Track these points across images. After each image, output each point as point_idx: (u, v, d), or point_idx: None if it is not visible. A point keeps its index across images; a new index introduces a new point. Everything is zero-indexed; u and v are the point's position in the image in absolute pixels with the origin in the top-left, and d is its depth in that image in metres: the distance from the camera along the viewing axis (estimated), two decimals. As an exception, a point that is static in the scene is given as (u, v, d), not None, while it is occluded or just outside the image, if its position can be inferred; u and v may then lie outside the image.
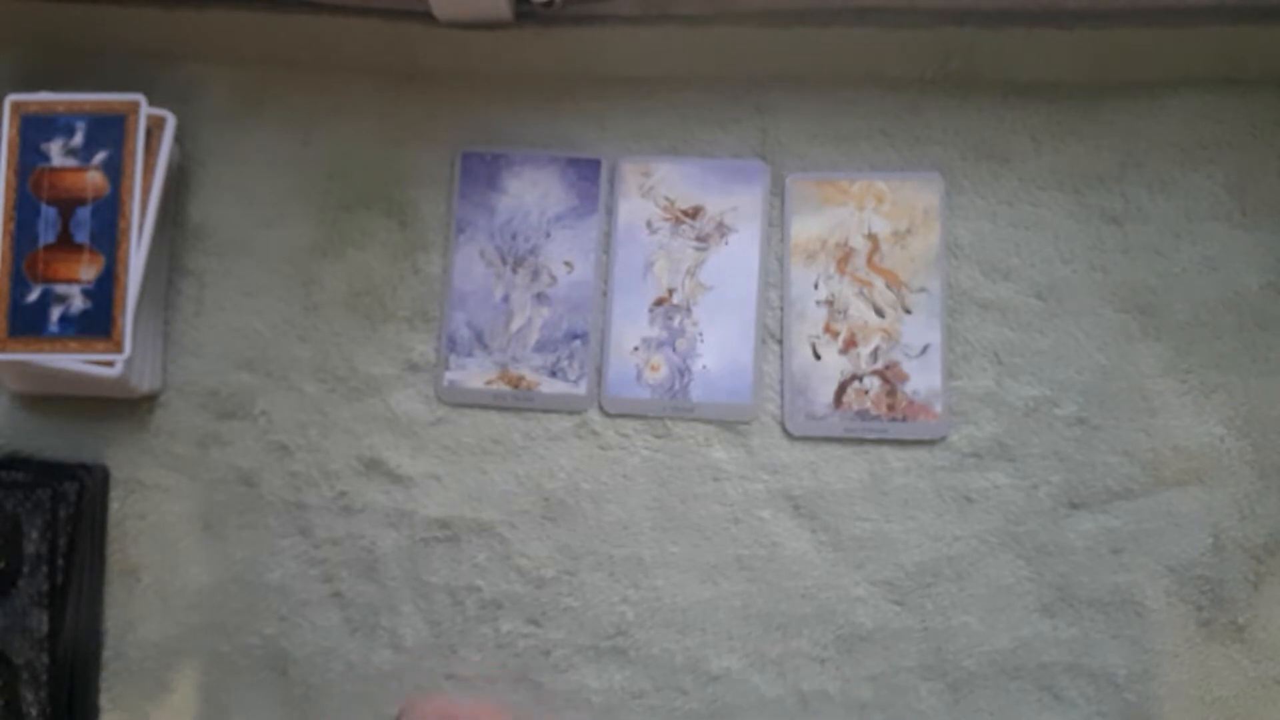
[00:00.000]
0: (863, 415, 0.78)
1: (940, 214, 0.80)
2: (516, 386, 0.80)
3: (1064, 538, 0.77)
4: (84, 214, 0.76)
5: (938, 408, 0.78)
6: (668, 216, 0.81)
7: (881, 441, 0.78)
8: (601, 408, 0.80)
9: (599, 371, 0.80)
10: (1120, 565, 0.77)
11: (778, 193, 0.81)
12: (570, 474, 0.79)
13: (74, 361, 0.75)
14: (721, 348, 0.79)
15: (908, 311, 0.79)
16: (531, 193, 0.82)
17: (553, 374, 0.80)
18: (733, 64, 0.83)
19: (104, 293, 0.75)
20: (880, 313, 0.79)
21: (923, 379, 0.78)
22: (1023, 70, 0.81)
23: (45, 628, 0.75)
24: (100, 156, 0.76)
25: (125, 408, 0.81)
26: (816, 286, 0.80)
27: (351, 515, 0.80)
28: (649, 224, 0.81)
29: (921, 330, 0.79)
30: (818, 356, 0.79)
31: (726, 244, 0.81)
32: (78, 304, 0.75)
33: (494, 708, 0.76)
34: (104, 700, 0.79)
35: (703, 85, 0.82)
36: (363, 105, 0.83)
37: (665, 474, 0.79)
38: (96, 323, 0.75)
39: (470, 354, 0.80)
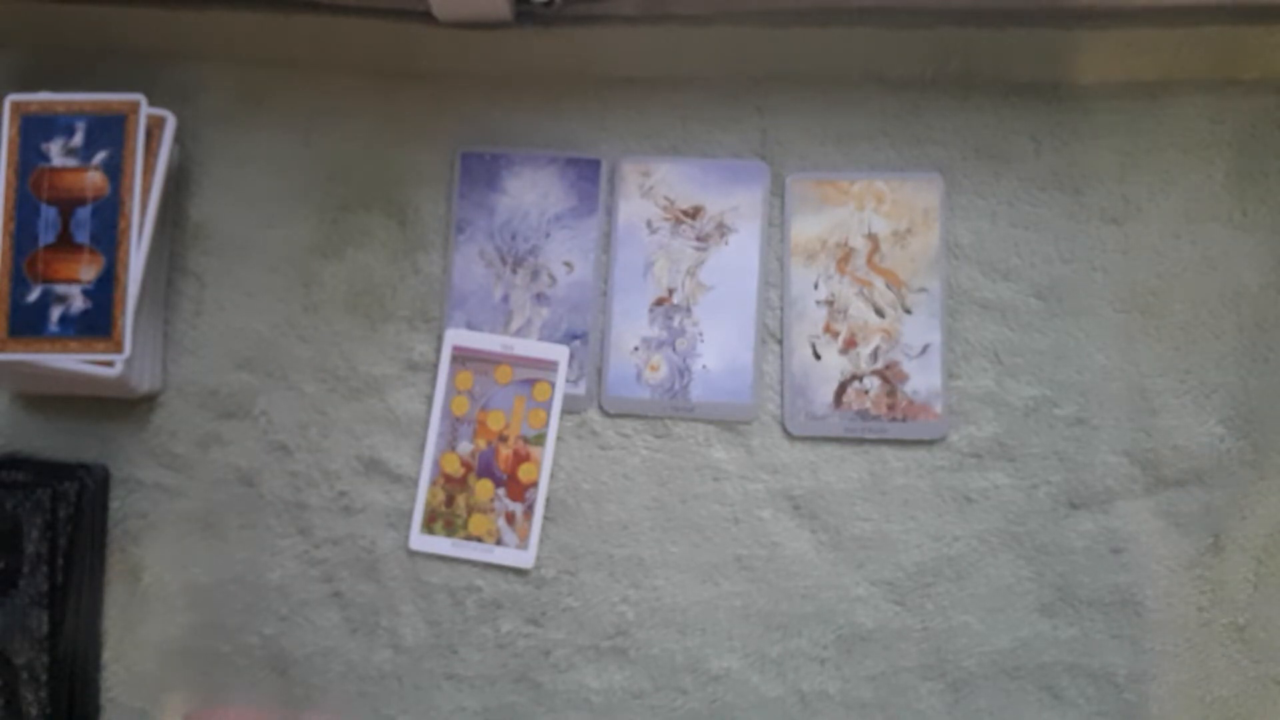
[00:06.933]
0: (863, 415, 0.78)
1: (940, 214, 0.80)
2: (516, 386, 0.81)
3: (1064, 538, 0.77)
4: (84, 214, 0.76)
5: (938, 408, 0.78)
6: (668, 216, 0.81)
7: (881, 441, 0.78)
8: (601, 408, 0.80)
9: (599, 371, 0.80)
10: (1120, 565, 0.77)
11: (778, 193, 0.81)
12: (570, 474, 0.79)
13: (74, 361, 0.75)
14: (721, 348, 0.80)
15: (908, 311, 0.79)
16: (531, 193, 0.82)
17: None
18: (733, 64, 0.83)
19: (104, 293, 0.75)
20: (880, 313, 0.79)
21: (923, 379, 0.78)
22: (1023, 70, 0.81)
23: (45, 628, 0.75)
24: (100, 156, 0.76)
25: (125, 408, 0.81)
26: (816, 286, 0.80)
27: (351, 515, 0.80)
28: (649, 224, 0.81)
29: (921, 330, 0.79)
30: (818, 356, 0.79)
31: (726, 244, 0.81)
32: (78, 304, 0.75)
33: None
34: (104, 700, 0.79)
35: (703, 85, 0.82)
36: (363, 105, 0.83)
37: (665, 474, 0.79)
38: (96, 323, 0.75)
39: (470, 354, 0.81)
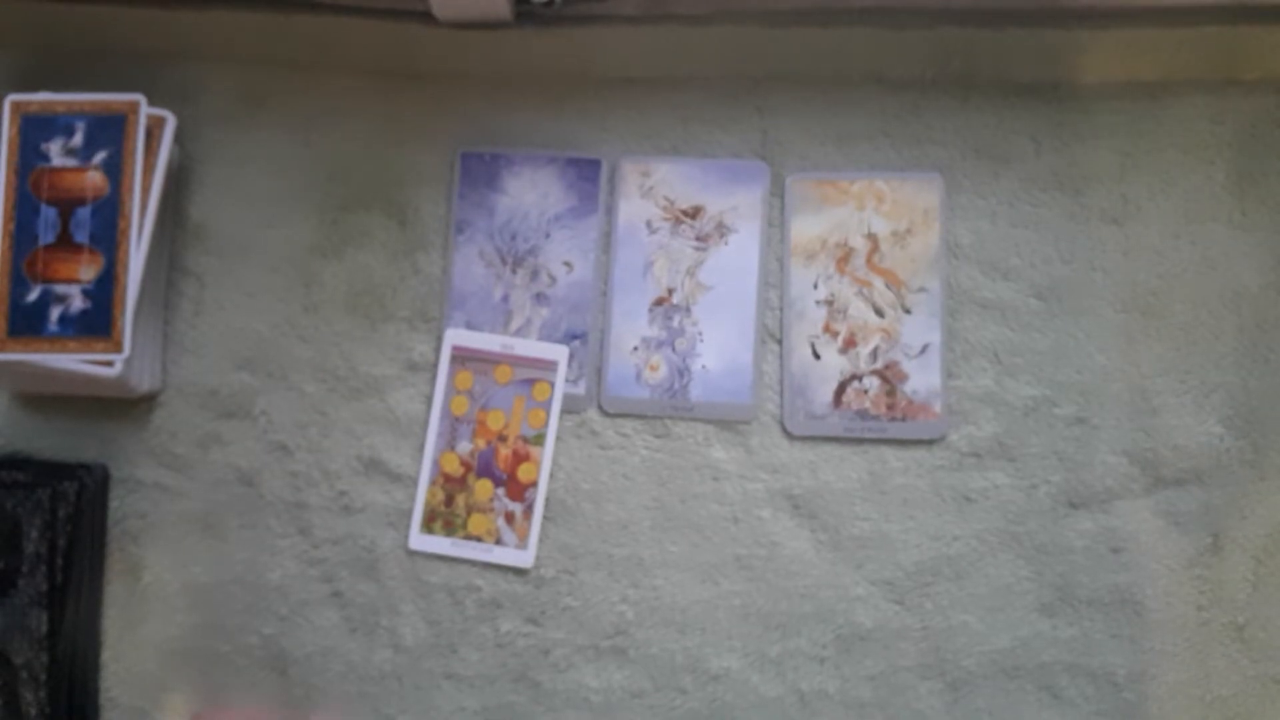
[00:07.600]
0: (862, 415, 0.78)
1: (940, 214, 0.80)
2: (516, 386, 0.81)
3: (1064, 538, 0.77)
4: (84, 214, 0.76)
5: (937, 407, 0.78)
6: (668, 216, 0.81)
7: (881, 441, 0.78)
8: (601, 407, 0.80)
9: (598, 371, 0.80)
10: (1120, 565, 0.77)
11: (778, 193, 0.81)
12: (570, 474, 0.79)
13: (74, 361, 0.75)
14: (721, 348, 0.80)
15: (907, 311, 0.79)
16: (531, 193, 0.82)
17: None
18: (733, 64, 0.83)
19: (104, 293, 0.75)
20: (880, 312, 0.79)
21: (922, 379, 0.78)
22: (1023, 70, 0.81)
23: (45, 628, 0.75)
24: (100, 156, 0.76)
25: (125, 408, 0.81)
26: (816, 286, 0.80)
27: (351, 515, 0.80)
28: (649, 224, 0.81)
29: (921, 330, 0.79)
30: (817, 356, 0.79)
31: (726, 244, 0.81)
32: (77, 304, 0.75)
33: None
34: (103, 700, 0.79)
35: (703, 85, 0.82)
36: (363, 105, 0.83)
37: (665, 474, 0.79)
38: (96, 323, 0.75)
39: (470, 354, 0.81)
